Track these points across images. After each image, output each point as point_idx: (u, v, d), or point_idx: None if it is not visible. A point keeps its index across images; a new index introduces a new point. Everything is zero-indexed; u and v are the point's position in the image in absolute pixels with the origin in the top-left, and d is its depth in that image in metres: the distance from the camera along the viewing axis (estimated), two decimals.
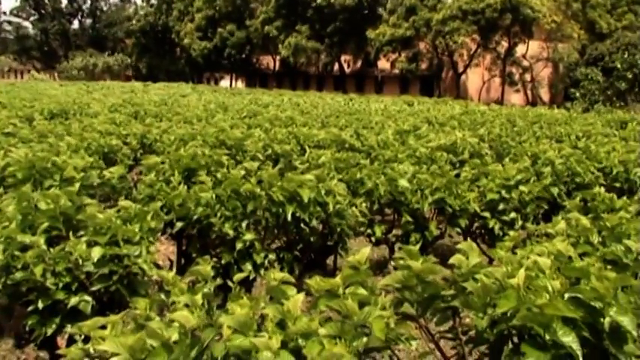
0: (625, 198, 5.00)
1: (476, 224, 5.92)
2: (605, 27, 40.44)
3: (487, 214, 5.73)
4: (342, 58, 54.77)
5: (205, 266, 2.87)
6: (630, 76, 33.86)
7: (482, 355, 2.50)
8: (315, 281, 2.45)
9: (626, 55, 34.56)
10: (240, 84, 63.68)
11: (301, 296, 2.27)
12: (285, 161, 7.06)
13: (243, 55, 60.43)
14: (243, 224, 4.17)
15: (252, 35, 57.93)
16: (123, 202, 3.93)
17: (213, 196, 4.34)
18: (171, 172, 5.24)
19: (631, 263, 3.08)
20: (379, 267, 6.43)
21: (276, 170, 4.78)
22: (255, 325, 2.09)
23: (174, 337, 2.04)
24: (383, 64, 51.37)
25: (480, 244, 5.91)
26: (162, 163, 5.65)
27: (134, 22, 68.39)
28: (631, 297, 2.59)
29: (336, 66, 55.53)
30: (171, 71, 65.91)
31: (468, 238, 5.40)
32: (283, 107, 18.22)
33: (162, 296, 2.56)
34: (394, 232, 5.98)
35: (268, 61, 63.35)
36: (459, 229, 5.86)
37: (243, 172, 4.82)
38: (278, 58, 58.75)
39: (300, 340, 2.07)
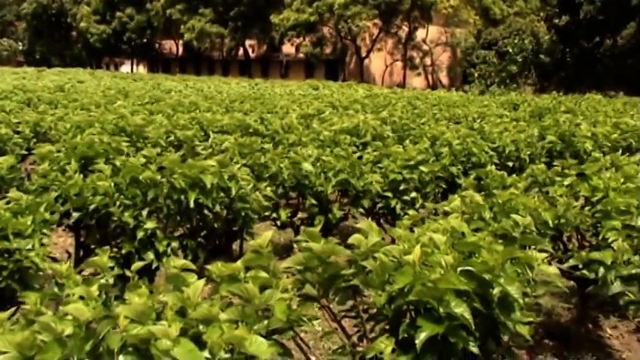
0: (515, 175, 5.27)
1: (379, 204, 6.06)
2: (499, 13, 42.29)
3: (389, 194, 5.88)
4: (247, 42, 54.28)
5: (102, 257, 2.78)
6: (521, 60, 35.64)
7: (382, 331, 2.58)
8: (216, 267, 2.43)
9: (517, 40, 36.32)
10: (141, 69, 61.74)
11: (202, 282, 2.24)
12: (187, 147, 6.93)
13: (145, 40, 58.62)
14: (144, 212, 4.06)
15: (153, 19, 56.22)
16: (13, 194, 3.73)
17: (112, 184, 4.20)
18: (67, 161, 5.01)
19: (519, 236, 3.26)
20: (286, 250, 6.47)
21: (177, 156, 4.68)
22: (153, 314, 2.05)
23: (68, 331, 1.96)
24: (288, 48, 51.32)
25: (384, 224, 6.07)
26: (58, 152, 5.40)
27: (25, 4, 64.50)
28: (518, 268, 2.75)
29: (241, 51, 54.95)
30: (68, 57, 62.89)
31: (370, 218, 5.52)
32: (187, 93, 17.86)
33: (56, 290, 2.46)
34: (299, 215, 6.02)
35: (171, 46, 61.79)
36: (362, 210, 5.98)
37: (143, 160, 4.69)
38: (181, 42, 57.40)
39: (200, 327, 2.06)
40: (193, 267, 2.44)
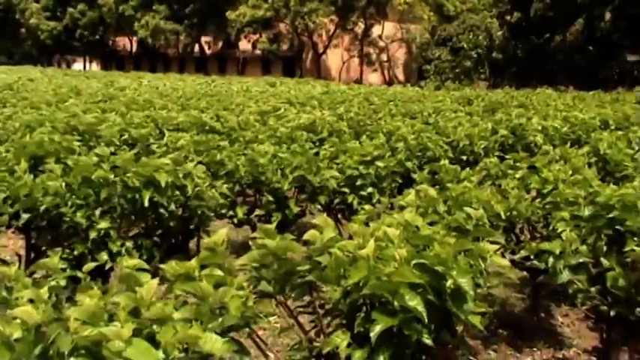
0: (469, 169, 5.37)
1: (336, 200, 6.09)
2: (452, 9, 42.86)
3: (346, 190, 5.91)
4: (203, 39, 53.75)
5: (53, 258, 2.72)
6: (475, 56, 36.25)
7: (338, 326, 2.59)
8: (170, 266, 2.41)
9: (471, 36, 36.91)
10: (95, 67, 60.50)
11: (155, 282, 2.22)
12: (142, 146, 6.83)
13: (97, 37, 57.41)
14: (97, 212, 3.99)
15: (105, 15, 55.10)
16: None
17: (63, 184, 4.11)
18: (16, 161, 4.88)
19: (472, 229, 3.32)
20: (243, 248, 6.44)
21: (131, 155, 4.61)
22: (105, 315, 2.02)
23: (17, 334, 1.92)
24: (244, 45, 51.03)
25: (341, 220, 6.10)
26: (7, 151, 5.26)
27: None
28: (470, 260, 2.80)
29: (197, 47, 54.38)
30: (17, 54, 61.14)
31: (327, 214, 5.54)
32: (141, 90, 17.58)
33: (5, 293, 2.40)
34: (257, 212, 6.00)
35: (125, 43, 60.71)
36: (319, 206, 6.00)
37: (95, 159, 4.60)
38: (135, 39, 56.41)
39: (154, 327, 2.03)
40: (147, 266, 2.41)
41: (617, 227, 3.60)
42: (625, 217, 3.57)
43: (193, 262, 2.39)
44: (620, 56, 33.59)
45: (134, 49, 58.93)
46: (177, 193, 4.41)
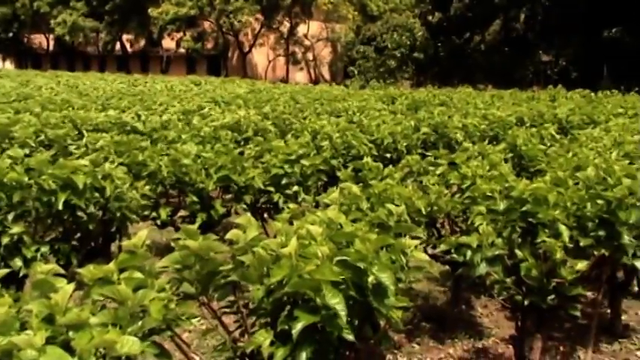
0: (392, 166, 5.47)
1: (262, 199, 6.07)
2: (376, 9, 43.53)
3: (272, 189, 5.90)
4: (124, 37, 52.32)
5: None
6: (399, 55, 36.98)
7: (263, 325, 2.59)
8: (87, 270, 2.34)
9: (394, 36, 37.62)
10: (8, 65, 57.79)
11: (71, 287, 2.15)
12: (59, 147, 6.59)
13: (11, 34, 54.83)
14: (10, 217, 3.81)
15: (19, 11, 52.73)
16: None
17: None
18: None
19: (393, 225, 3.39)
20: (168, 250, 6.32)
21: (47, 156, 4.44)
22: (17, 323, 1.94)
23: None
24: (168, 43, 50.05)
25: (267, 219, 6.09)
26: None
27: None
28: (392, 255, 2.86)
29: (118, 45, 52.89)
30: None
31: (253, 213, 5.52)
32: (59, 90, 16.96)
33: None
34: (181, 213, 5.91)
35: (41, 40, 58.32)
36: (245, 206, 5.97)
37: (8, 161, 4.40)
38: (52, 36, 54.26)
39: (70, 333, 1.97)
40: (62, 271, 2.33)
41: (529, 220, 3.76)
42: (537, 210, 3.74)
43: (112, 265, 2.33)
44: (534, 56, 35.11)
45: (51, 47, 56.69)
46: (97, 195, 4.28)
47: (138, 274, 2.37)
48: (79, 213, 4.17)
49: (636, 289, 5.73)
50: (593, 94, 18.16)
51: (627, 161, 5.01)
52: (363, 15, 43.86)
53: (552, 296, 3.61)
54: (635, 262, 3.97)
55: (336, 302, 2.27)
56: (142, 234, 2.62)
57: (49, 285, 2.25)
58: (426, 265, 4.28)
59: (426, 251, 4.36)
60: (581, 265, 3.59)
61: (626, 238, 3.84)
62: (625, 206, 3.87)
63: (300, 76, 45.80)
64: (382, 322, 2.72)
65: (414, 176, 5.67)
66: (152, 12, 45.18)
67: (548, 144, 7.46)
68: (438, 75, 34.81)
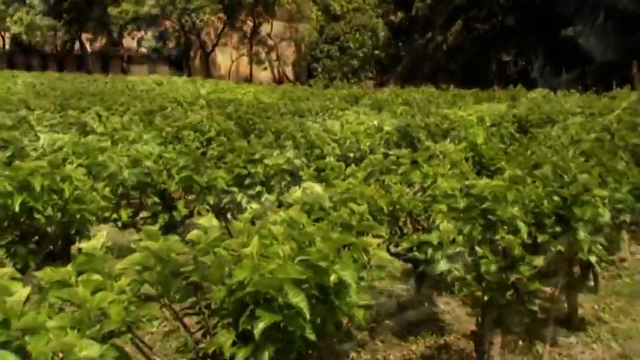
0: (355, 165, 5.50)
1: (225, 200, 6.03)
2: (339, 9, 43.67)
3: (235, 189, 5.87)
4: (84, 36, 51.36)
5: None
6: (362, 55, 37.18)
7: (225, 325, 2.58)
8: (44, 272, 2.30)
9: (357, 36, 37.82)
10: None
11: (27, 290, 2.11)
12: (15, 148, 6.44)
13: None
14: None
15: None
16: None
17: None
18: None
19: (355, 224, 3.41)
20: (130, 251, 6.24)
21: (2, 158, 4.35)
22: None
23: None
24: (129, 42, 49.34)
25: (231, 219, 6.05)
26: None
27: None
28: (354, 254, 2.88)
29: (77, 45, 51.92)
30: None
31: (216, 214, 5.49)
32: (15, 90, 16.58)
33: None
34: (142, 214, 5.85)
35: None
36: (208, 206, 5.92)
37: None
38: (8, 35, 52.93)
39: (26, 337, 1.93)
40: (17, 275, 2.28)
41: (489, 217, 3.82)
42: (496, 208, 3.80)
43: (69, 267, 2.29)
44: (495, 56, 35.69)
45: (6, 45, 55.32)
46: (55, 197, 4.20)
47: (96, 277, 2.34)
48: (37, 215, 4.09)
49: (591, 283, 5.88)
50: (552, 93, 18.54)
51: (583, 159, 5.14)
52: (327, 15, 43.96)
53: (511, 292, 3.68)
54: (591, 258, 4.08)
55: (299, 301, 2.28)
56: (100, 235, 2.59)
57: (4, 289, 2.20)
58: (388, 263, 4.31)
59: (388, 250, 4.40)
60: (539, 260, 3.67)
61: (582, 234, 3.94)
62: (580, 203, 3.97)
63: (263, 76, 45.66)
64: (345, 321, 2.74)
65: (377, 175, 5.71)
66: (112, 11, 44.50)
67: (508, 142, 7.60)
68: (401, 75, 35.12)
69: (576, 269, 5.09)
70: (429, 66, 35.15)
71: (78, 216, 4.43)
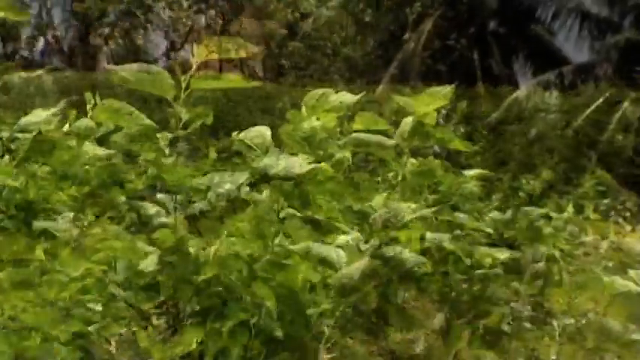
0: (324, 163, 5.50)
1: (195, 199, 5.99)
2: (308, 6, 43.58)
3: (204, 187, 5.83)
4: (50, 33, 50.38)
5: None
6: (330, 52, 37.24)
7: (193, 324, 2.56)
8: (6, 273, 2.26)
9: (325, 33, 37.84)
10: None
11: None
12: None
13: None
14: None
15: None
16: None
17: None
18: None
19: (324, 221, 3.42)
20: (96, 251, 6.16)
21: None
22: None
23: None
24: (93, 39, 48.56)
25: (201, 218, 6.01)
26: None
27: None
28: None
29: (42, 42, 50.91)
30: None
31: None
32: None
33: None
34: (109, 213, 5.77)
35: None
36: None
37: None
38: None
39: None
40: None
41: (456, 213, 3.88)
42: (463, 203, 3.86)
43: (31, 268, 2.26)
44: (479, 58, 35.92)
45: None
46: (18, 196, 4.12)
47: (61, 276, 2.31)
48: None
49: (557, 277, 5.98)
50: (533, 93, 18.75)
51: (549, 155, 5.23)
52: (295, 11, 43.86)
53: (479, 287, 3.73)
54: (555, 252, 4.15)
55: (267, 298, 2.28)
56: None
57: None
58: (358, 260, 4.33)
59: (357, 247, 4.41)
60: (505, 255, 3.73)
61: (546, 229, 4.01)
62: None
63: (233, 74, 45.48)
64: (314, 318, 2.75)
65: (347, 173, 5.72)
66: (76, 7, 43.71)
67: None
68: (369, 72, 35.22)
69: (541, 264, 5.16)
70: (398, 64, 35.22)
71: (42, 215, 4.36)
